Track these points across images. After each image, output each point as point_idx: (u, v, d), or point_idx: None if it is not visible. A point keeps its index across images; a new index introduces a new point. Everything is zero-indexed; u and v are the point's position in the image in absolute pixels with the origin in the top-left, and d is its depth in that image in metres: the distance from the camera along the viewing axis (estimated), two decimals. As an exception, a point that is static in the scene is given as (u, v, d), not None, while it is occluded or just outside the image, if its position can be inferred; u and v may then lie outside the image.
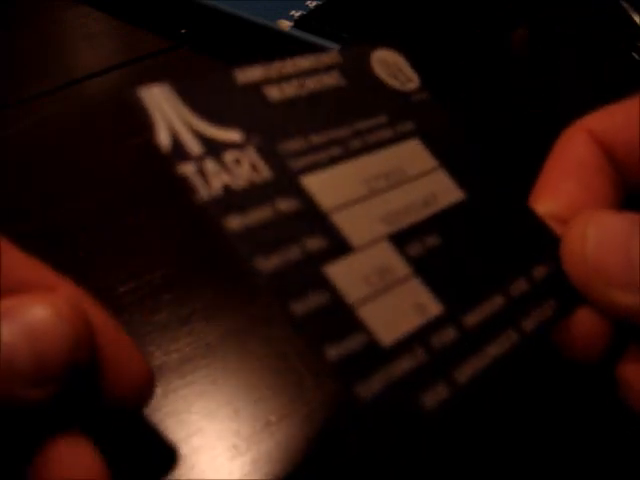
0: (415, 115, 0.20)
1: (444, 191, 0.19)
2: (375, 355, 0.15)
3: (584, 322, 0.18)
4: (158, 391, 0.23)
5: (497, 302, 0.17)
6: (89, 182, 0.30)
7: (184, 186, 0.15)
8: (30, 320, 0.17)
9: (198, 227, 0.27)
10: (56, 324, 0.17)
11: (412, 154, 0.19)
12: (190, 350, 0.24)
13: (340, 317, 0.15)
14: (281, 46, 0.35)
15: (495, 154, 0.30)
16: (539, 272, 0.18)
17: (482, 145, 0.20)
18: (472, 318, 0.17)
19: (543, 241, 0.19)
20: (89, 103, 0.35)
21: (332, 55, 0.20)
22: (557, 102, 0.33)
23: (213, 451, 0.22)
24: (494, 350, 0.16)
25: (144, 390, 0.20)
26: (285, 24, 0.35)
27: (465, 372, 0.16)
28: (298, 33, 0.35)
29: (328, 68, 0.19)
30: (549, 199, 0.20)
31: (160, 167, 0.15)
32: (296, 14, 0.36)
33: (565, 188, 0.20)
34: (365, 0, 0.38)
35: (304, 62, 0.19)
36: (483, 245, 0.18)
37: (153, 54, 0.37)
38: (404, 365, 0.15)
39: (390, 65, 0.20)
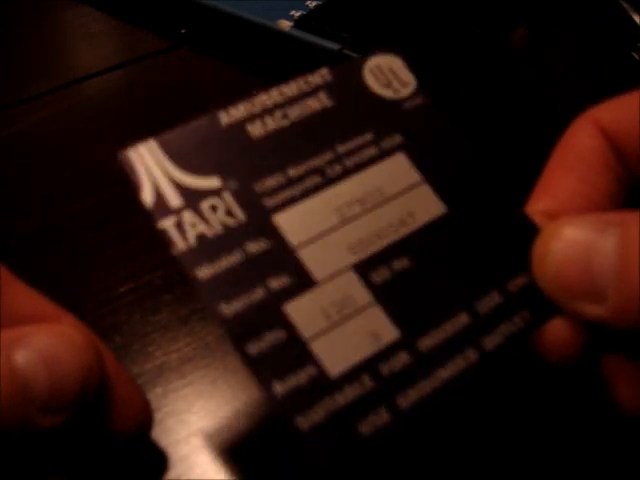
0: (405, 125, 0.19)
1: (424, 207, 0.19)
2: (320, 387, 0.16)
3: (556, 327, 0.18)
4: (158, 391, 0.23)
5: (461, 321, 0.17)
6: (89, 182, 0.30)
7: (163, 239, 0.17)
8: (45, 347, 0.17)
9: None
10: (70, 351, 0.17)
11: (395, 171, 0.19)
12: (190, 350, 0.24)
13: (292, 353, 0.16)
14: (281, 46, 0.35)
15: (495, 155, 0.30)
16: (517, 282, 0.18)
17: (481, 143, 0.20)
18: (428, 341, 0.17)
19: (529, 250, 0.18)
20: (89, 103, 0.35)
21: (322, 73, 0.19)
22: (557, 102, 0.33)
23: (213, 451, 0.22)
24: (446, 373, 0.17)
25: (144, 421, 0.20)
26: (285, 24, 0.35)
27: (409, 397, 0.16)
28: (298, 33, 0.35)
29: (315, 90, 0.19)
30: (549, 196, 0.20)
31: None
32: (296, 14, 0.36)
33: (566, 185, 0.19)
34: (365, 0, 0.38)
35: (290, 88, 0.19)
36: (457, 261, 0.18)
37: (153, 54, 0.37)
38: (348, 394, 0.16)
39: (384, 72, 0.20)
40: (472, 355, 0.17)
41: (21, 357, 0.17)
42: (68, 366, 0.17)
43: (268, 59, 0.35)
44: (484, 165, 0.19)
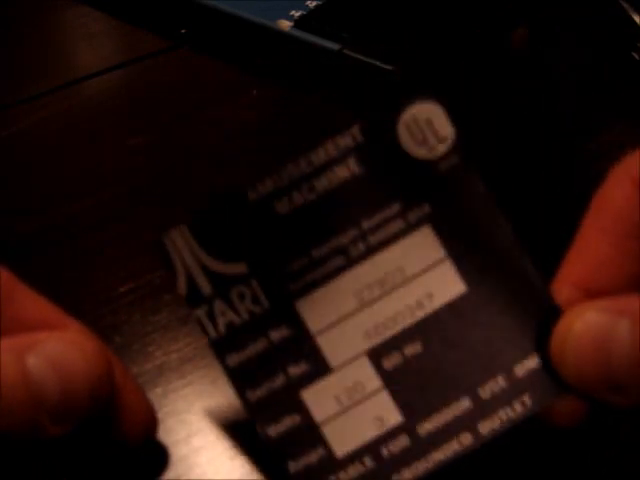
0: (435, 193, 0.18)
1: (444, 287, 0.18)
2: (328, 467, 0.18)
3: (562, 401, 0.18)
4: (158, 391, 0.23)
5: (462, 406, 0.18)
6: (89, 182, 0.30)
7: (197, 326, 0.18)
8: (56, 354, 0.17)
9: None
10: (81, 359, 0.17)
11: (419, 246, 0.18)
12: (190, 350, 0.24)
13: (306, 435, 0.18)
14: (281, 46, 0.35)
15: (494, 155, 0.30)
16: (525, 366, 0.18)
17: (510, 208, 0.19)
18: (428, 425, 0.18)
19: (545, 331, 0.18)
20: (89, 103, 0.35)
21: (353, 133, 0.18)
22: (557, 102, 0.33)
23: (213, 451, 0.22)
24: (439, 455, 0.18)
25: (149, 426, 0.20)
26: (285, 24, 0.35)
27: (403, 477, 0.18)
28: (298, 33, 0.35)
29: (345, 154, 0.18)
30: (582, 262, 0.19)
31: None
32: (296, 14, 0.35)
33: (599, 250, 0.18)
34: (365, 0, 0.38)
35: (318, 156, 0.18)
36: (469, 344, 0.18)
37: (153, 54, 0.37)
38: (351, 473, 0.18)
39: (420, 125, 0.18)
40: (467, 439, 0.18)
41: (33, 363, 0.17)
42: (79, 374, 0.17)
43: (268, 59, 0.35)
44: (511, 236, 0.19)
